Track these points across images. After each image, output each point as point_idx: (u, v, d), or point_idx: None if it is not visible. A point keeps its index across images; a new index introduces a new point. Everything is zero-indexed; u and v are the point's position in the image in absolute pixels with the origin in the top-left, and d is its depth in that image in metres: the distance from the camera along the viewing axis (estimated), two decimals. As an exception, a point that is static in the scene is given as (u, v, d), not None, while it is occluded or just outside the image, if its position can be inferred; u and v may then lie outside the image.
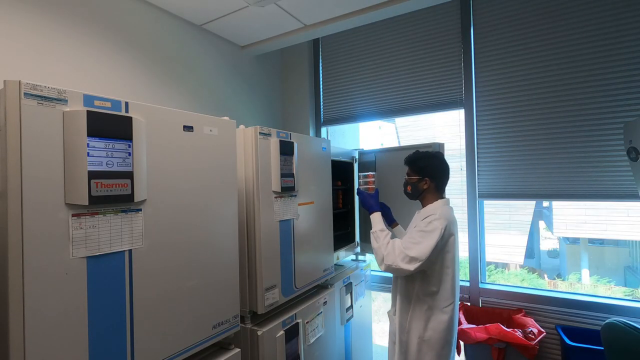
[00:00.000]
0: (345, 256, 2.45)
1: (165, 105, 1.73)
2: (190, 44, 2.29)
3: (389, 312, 1.85)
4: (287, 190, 1.64)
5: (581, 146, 2.12)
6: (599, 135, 2.07)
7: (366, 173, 2.03)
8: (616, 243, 6.31)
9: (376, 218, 1.71)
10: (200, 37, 2.36)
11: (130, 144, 0.97)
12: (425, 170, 1.66)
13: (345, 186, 2.51)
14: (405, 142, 7.21)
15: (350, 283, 2.30)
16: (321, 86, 3.07)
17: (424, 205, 1.71)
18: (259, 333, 1.45)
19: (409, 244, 1.53)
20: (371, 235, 1.67)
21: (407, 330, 1.64)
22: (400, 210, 2.01)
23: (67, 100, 0.86)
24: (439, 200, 1.65)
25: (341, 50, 2.96)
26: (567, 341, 1.91)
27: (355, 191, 1.98)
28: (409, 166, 1.73)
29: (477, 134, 2.40)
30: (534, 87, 2.22)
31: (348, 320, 2.25)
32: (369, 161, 2.50)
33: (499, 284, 2.43)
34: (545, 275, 6.55)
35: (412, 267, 1.48)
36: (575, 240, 6.52)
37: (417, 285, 1.62)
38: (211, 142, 1.26)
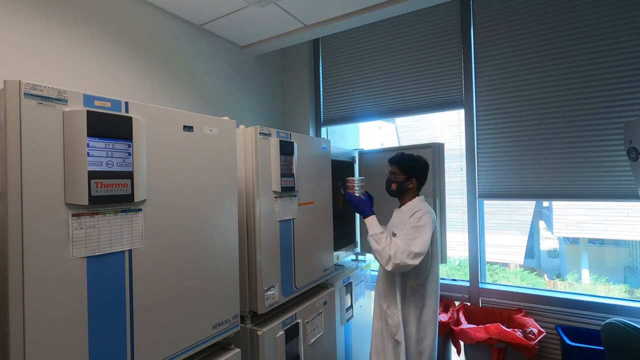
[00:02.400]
0: (345, 256, 2.45)
1: (165, 105, 1.73)
2: (190, 44, 2.29)
3: (375, 313, 1.88)
4: (287, 190, 1.64)
5: (581, 146, 2.12)
6: (599, 135, 2.07)
7: (359, 178, 2.02)
8: (616, 243, 6.30)
9: (372, 221, 1.75)
10: (200, 37, 2.36)
11: (130, 144, 0.97)
12: (413, 170, 1.79)
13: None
14: (405, 142, 7.21)
15: (350, 283, 2.30)
16: (321, 86, 3.07)
17: (402, 202, 1.83)
18: (259, 333, 1.45)
19: (408, 241, 1.60)
20: (370, 238, 1.70)
21: (403, 323, 1.68)
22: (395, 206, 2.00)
23: (67, 100, 0.86)
24: (417, 198, 1.80)
25: (341, 50, 2.96)
26: (567, 341, 1.91)
27: (345, 196, 1.98)
28: (398, 166, 1.82)
29: (477, 134, 2.40)
30: (533, 87, 2.22)
31: (348, 320, 2.25)
32: (370, 161, 2.50)
33: (499, 284, 2.43)
34: (545, 275, 6.55)
35: (416, 261, 1.57)
36: (575, 240, 6.51)
37: (409, 278, 1.72)
38: (211, 142, 1.26)
